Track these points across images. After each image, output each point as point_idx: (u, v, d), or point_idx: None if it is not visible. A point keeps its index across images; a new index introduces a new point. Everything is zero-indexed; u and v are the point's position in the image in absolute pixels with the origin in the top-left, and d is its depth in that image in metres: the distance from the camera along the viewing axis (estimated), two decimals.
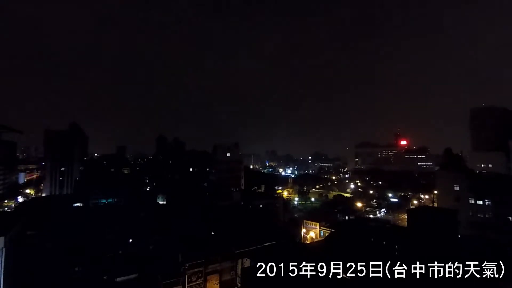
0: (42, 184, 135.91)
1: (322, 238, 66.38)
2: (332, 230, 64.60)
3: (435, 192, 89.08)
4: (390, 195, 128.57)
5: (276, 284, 30.50)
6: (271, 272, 33.08)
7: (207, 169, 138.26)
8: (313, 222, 76.23)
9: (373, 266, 29.55)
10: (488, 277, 29.45)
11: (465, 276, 30.03)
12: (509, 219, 57.44)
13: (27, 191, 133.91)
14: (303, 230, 76.60)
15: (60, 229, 52.42)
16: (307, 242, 70.08)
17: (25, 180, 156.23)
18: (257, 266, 37.46)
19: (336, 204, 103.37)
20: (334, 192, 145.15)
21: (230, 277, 44.85)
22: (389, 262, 32.54)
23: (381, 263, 29.42)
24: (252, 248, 46.17)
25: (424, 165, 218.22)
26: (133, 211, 67.52)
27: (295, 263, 35.54)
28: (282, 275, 31.40)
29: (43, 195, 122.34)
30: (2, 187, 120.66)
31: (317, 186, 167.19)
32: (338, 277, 31.33)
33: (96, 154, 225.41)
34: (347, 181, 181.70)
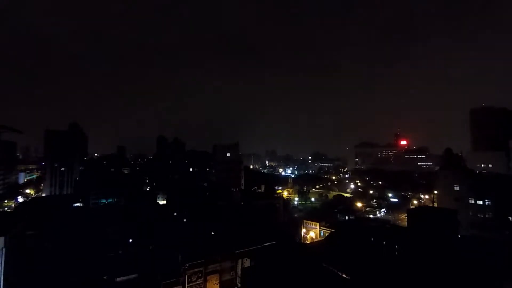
0: (42, 184, 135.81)
1: (322, 238, 66.34)
2: (332, 230, 64.55)
3: (435, 192, 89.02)
4: (390, 195, 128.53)
5: (276, 284, 30.48)
6: (271, 272, 33.08)
7: (207, 169, 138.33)
8: (313, 222, 76.20)
9: (373, 266, 29.54)
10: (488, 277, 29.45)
11: (465, 276, 30.06)
12: (509, 219, 57.39)
13: (27, 191, 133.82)
14: (303, 230, 76.56)
15: (60, 229, 52.37)
16: (307, 242, 70.07)
17: (25, 180, 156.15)
18: (257, 266, 37.46)
19: (336, 204, 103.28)
20: (334, 192, 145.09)
21: (230, 277, 44.81)
22: (389, 262, 32.56)
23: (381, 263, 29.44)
24: (252, 248, 46.15)
25: (424, 165, 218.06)
26: (133, 211, 67.46)
27: (295, 263, 35.56)
28: (282, 275, 31.40)
29: (43, 195, 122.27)
30: (2, 187, 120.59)
31: (317, 186, 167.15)
32: (338, 277, 31.34)
33: (96, 154, 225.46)
34: (347, 181, 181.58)
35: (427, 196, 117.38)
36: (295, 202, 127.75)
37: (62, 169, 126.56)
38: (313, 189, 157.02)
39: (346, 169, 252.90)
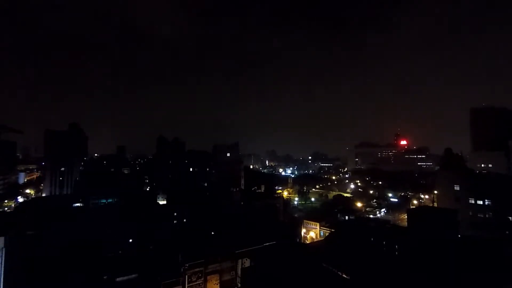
0: (42, 184, 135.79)
1: (322, 238, 66.39)
2: (332, 230, 64.59)
3: (435, 192, 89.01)
4: (390, 195, 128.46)
5: (276, 284, 30.49)
6: (271, 272, 33.08)
7: (207, 169, 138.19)
8: (313, 222, 76.27)
9: (373, 266, 29.49)
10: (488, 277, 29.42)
11: (465, 276, 30.05)
12: (509, 219, 57.39)
13: (27, 191, 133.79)
14: (303, 230, 76.60)
15: (60, 229, 52.36)
16: (307, 242, 70.10)
17: (25, 180, 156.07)
18: (257, 266, 37.43)
19: (336, 204, 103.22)
20: (334, 192, 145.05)
21: (230, 277, 44.82)
22: (389, 262, 32.49)
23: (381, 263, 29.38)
24: (252, 248, 46.16)
25: (424, 165, 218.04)
26: (133, 211, 67.43)
27: (295, 263, 35.55)
28: (282, 275, 31.40)
29: (43, 195, 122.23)
30: (2, 187, 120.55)
31: (317, 186, 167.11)
32: (338, 277, 31.34)
33: (96, 154, 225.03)
34: (347, 181, 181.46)
35: (427, 196, 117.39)
36: (295, 202, 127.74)
37: (62, 169, 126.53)
38: (313, 189, 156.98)
39: (346, 169, 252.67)
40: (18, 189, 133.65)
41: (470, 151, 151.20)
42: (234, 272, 45.20)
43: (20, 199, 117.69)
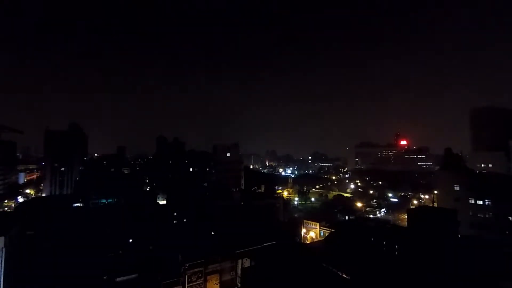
0: (42, 184, 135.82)
1: (322, 238, 66.41)
2: (332, 230, 64.59)
3: (435, 192, 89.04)
4: (390, 195, 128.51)
5: (276, 284, 30.49)
6: (271, 272, 33.09)
7: (207, 169, 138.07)
8: (313, 222, 76.31)
9: (373, 266, 29.49)
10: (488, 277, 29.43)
11: (465, 276, 30.07)
12: (509, 219, 57.39)
13: (27, 191, 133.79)
14: (303, 230, 76.62)
15: (60, 229, 52.34)
16: (307, 242, 70.12)
17: (25, 180, 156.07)
18: (257, 266, 37.46)
19: (336, 204, 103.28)
20: (334, 192, 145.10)
21: (230, 277, 44.85)
22: (389, 262, 32.50)
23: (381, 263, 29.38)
24: (252, 248, 46.19)
25: (424, 165, 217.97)
26: (133, 211, 67.44)
27: (295, 263, 35.55)
28: (282, 275, 31.41)
29: (43, 195, 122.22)
30: (2, 187, 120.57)
31: (317, 186, 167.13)
32: (338, 277, 31.35)
33: (96, 154, 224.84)
34: (347, 181, 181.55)
35: (427, 196, 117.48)
36: (295, 202, 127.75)
37: (62, 169, 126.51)
38: (313, 189, 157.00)
39: (346, 169, 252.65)
40: (18, 189, 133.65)
41: (470, 151, 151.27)
42: (234, 272, 45.22)
43: (20, 199, 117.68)
